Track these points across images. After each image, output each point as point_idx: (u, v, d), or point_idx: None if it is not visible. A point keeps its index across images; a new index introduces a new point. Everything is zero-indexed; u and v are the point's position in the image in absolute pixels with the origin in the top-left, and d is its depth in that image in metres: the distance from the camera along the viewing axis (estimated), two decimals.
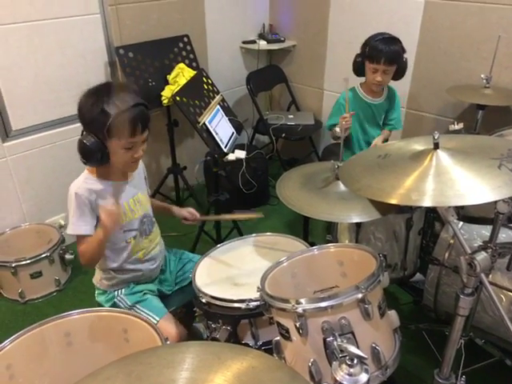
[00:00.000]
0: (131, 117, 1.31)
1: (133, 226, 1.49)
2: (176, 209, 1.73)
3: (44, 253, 2.23)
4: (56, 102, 2.37)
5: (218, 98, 2.40)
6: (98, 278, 1.57)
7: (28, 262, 2.20)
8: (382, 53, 2.06)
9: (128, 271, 1.54)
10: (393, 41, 2.10)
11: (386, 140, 2.38)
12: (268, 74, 3.42)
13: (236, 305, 1.33)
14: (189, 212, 1.70)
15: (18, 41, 2.20)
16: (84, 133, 1.35)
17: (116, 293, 1.54)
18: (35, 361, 1.15)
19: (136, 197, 1.51)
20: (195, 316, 1.48)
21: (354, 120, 2.29)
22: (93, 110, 1.31)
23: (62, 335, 1.19)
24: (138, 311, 1.49)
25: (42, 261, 2.24)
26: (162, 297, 1.62)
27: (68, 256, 2.37)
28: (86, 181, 1.42)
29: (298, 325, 1.07)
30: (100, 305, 1.58)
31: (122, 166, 1.42)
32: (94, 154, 1.33)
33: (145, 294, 1.55)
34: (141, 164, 1.56)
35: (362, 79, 2.32)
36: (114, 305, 1.53)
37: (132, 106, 1.32)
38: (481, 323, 1.65)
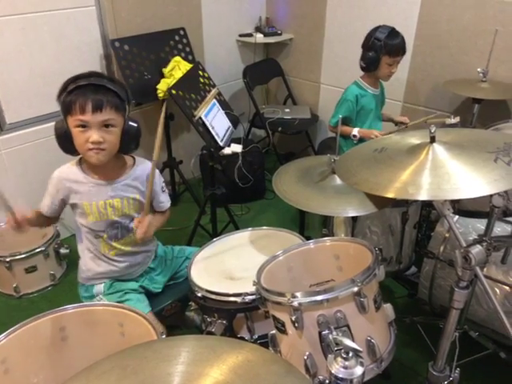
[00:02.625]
0: (83, 91, 1.29)
1: (99, 227, 1.45)
2: None
3: (39, 247, 2.23)
4: (51, 95, 2.30)
5: (214, 91, 2.39)
6: (79, 270, 1.56)
7: (23, 256, 2.19)
8: (399, 45, 2.19)
9: (102, 263, 1.51)
10: (399, 32, 2.21)
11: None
12: (264, 68, 3.40)
13: (232, 299, 1.33)
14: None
15: (13, 34, 2.17)
16: None
17: (95, 290, 1.52)
18: (30, 355, 1.14)
19: (109, 201, 1.43)
20: (188, 305, 1.47)
21: (362, 114, 2.32)
22: (60, 90, 1.34)
23: (57, 330, 1.18)
24: None
25: (37, 255, 2.23)
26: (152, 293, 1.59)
27: (63, 250, 2.36)
28: (68, 168, 1.44)
29: (293, 318, 1.07)
30: (79, 298, 1.56)
31: (81, 151, 1.36)
32: (62, 138, 1.34)
33: (126, 293, 1.50)
34: (148, 171, 1.46)
35: (361, 72, 2.32)
36: None
37: (91, 83, 1.30)
38: (475, 316, 1.66)
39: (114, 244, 1.49)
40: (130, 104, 1.42)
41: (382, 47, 2.16)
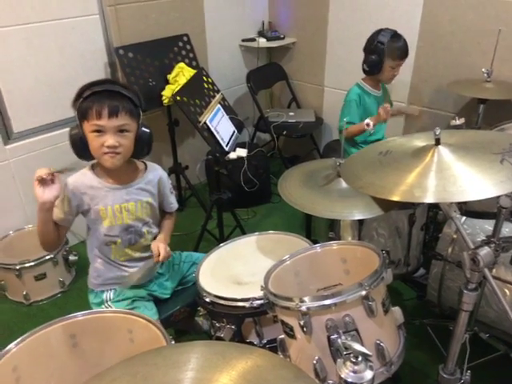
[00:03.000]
0: (98, 97, 1.32)
1: (114, 231, 1.47)
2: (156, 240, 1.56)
3: (48, 254, 2.24)
4: (57, 104, 2.38)
5: (218, 96, 2.40)
6: (89, 276, 1.57)
7: (32, 264, 2.21)
8: (402, 49, 2.21)
9: (112, 269, 1.52)
10: (401, 35, 2.22)
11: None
12: (268, 72, 3.41)
13: (240, 304, 1.33)
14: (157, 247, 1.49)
15: (18, 43, 2.20)
16: None
17: (104, 297, 1.52)
18: (41, 363, 1.15)
19: (125, 204, 1.46)
20: (197, 310, 1.48)
21: (365, 117, 2.31)
22: (75, 97, 1.36)
23: (67, 337, 1.19)
24: None
25: (46, 263, 2.25)
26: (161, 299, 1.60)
27: (72, 257, 2.38)
28: (81, 174, 1.45)
29: (302, 323, 1.07)
30: (88, 304, 1.57)
31: (97, 156, 1.39)
32: (77, 143, 1.37)
33: (134, 301, 1.51)
34: (159, 175, 1.54)
35: (362, 75, 2.32)
36: None
37: (105, 89, 1.33)
38: (485, 317, 1.65)
39: (127, 250, 1.51)
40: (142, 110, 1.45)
41: (385, 50, 2.16)
